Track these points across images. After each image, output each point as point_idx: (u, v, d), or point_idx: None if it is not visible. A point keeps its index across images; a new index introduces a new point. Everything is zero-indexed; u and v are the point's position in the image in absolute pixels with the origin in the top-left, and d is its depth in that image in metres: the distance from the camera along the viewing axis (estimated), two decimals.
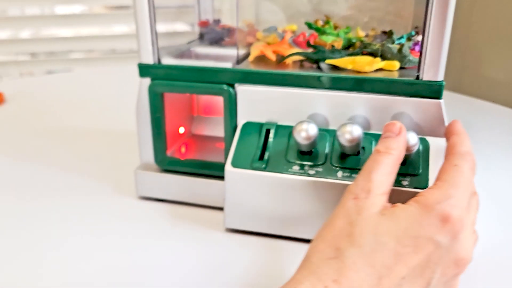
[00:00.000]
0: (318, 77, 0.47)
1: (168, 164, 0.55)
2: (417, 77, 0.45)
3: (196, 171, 0.55)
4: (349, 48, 0.62)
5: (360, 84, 0.46)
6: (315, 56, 0.50)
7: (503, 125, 0.83)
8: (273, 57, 0.50)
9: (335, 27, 0.65)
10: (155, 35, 0.52)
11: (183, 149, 0.61)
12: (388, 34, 0.52)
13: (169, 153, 0.56)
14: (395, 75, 0.47)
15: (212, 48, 0.62)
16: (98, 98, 0.93)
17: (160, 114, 0.54)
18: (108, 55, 1.25)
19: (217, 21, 0.66)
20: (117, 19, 1.16)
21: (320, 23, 0.65)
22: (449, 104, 0.91)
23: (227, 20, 0.69)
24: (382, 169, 0.36)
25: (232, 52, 0.56)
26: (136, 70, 0.54)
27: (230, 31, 0.65)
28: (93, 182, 0.61)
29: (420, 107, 0.45)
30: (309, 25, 0.63)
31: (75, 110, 0.87)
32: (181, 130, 0.61)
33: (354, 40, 0.61)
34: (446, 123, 0.45)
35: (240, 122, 0.51)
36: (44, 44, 1.16)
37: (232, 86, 0.50)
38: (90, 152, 0.70)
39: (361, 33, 0.62)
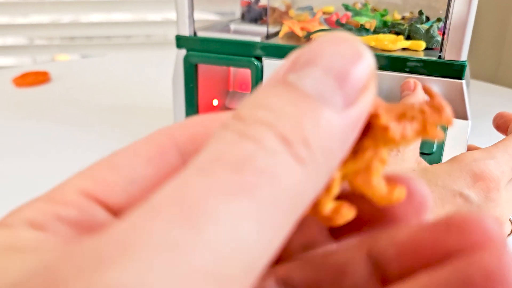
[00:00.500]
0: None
1: None
2: (439, 57, 0.45)
3: None
4: (387, 27, 0.62)
5: (380, 61, 0.47)
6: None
7: None
8: (300, 33, 0.52)
9: (373, 10, 0.65)
10: (191, 8, 0.55)
11: None
12: (418, 14, 0.52)
13: None
14: (420, 55, 0.48)
15: (250, 25, 0.64)
16: (137, 80, 0.97)
17: (193, 84, 0.57)
18: (144, 40, 1.29)
19: (257, 1, 0.68)
20: (154, 6, 1.21)
21: (359, 5, 0.66)
22: (486, 95, 0.89)
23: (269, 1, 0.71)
24: None
25: (264, 28, 0.58)
26: (171, 57, 0.57)
27: (272, 9, 0.67)
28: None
29: (441, 86, 0.45)
30: (346, 7, 0.64)
31: (116, 89, 0.92)
32: (215, 102, 0.64)
33: (389, 23, 0.62)
34: (467, 104, 0.45)
35: None
36: (82, 28, 1.22)
37: (260, 59, 0.52)
38: (130, 127, 0.74)
39: (398, 16, 0.62)
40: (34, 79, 0.87)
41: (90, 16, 1.26)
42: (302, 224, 0.14)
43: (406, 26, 0.50)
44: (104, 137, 0.68)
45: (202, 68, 0.57)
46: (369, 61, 0.13)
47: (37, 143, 0.66)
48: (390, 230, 0.14)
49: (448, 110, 0.14)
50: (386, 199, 0.13)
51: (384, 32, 0.51)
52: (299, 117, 0.11)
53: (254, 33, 0.59)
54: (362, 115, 0.12)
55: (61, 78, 0.95)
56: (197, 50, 0.55)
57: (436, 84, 0.46)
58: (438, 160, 0.43)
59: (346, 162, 0.14)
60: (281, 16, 0.64)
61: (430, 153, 0.43)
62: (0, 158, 0.60)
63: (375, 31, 0.51)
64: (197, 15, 0.57)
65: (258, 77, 0.52)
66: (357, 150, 0.14)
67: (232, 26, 0.64)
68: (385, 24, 0.62)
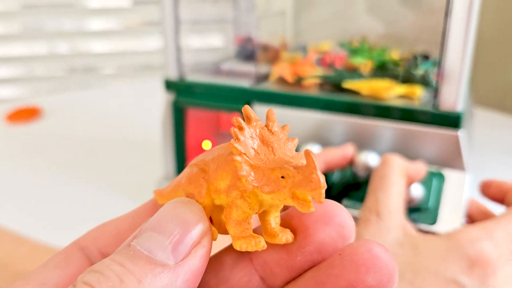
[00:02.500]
0: (330, 101, 0.46)
1: None
2: (435, 105, 0.43)
3: None
4: (382, 69, 0.60)
5: (373, 110, 0.45)
6: (333, 78, 0.49)
7: None
8: (290, 79, 0.50)
9: (371, 48, 0.63)
10: (179, 52, 0.53)
11: None
12: (413, 58, 0.50)
13: None
14: (415, 102, 0.45)
15: (244, 64, 0.62)
16: (130, 112, 0.96)
17: (182, 128, 0.55)
18: (141, 70, 1.28)
19: (251, 38, 0.66)
20: (152, 34, 1.20)
21: (356, 42, 0.64)
22: (493, 126, 0.86)
23: (266, 36, 0.69)
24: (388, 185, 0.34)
25: (257, 69, 0.56)
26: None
27: (265, 48, 0.65)
28: (115, 194, 0.64)
29: (436, 137, 0.43)
30: (342, 45, 0.62)
31: (108, 123, 0.90)
32: (206, 145, 0.62)
33: (387, 63, 0.60)
34: (465, 156, 0.43)
35: None
36: (79, 59, 1.22)
37: (249, 105, 0.50)
38: (117, 165, 0.73)
39: (396, 55, 0.60)
40: (25, 115, 0.86)
41: (86, 46, 1.25)
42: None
43: (401, 71, 0.48)
44: (95, 176, 0.67)
45: (193, 111, 0.55)
46: (201, 225, 0.16)
47: (25, 184, 0.64)
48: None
49: (318, 184, 0.14)
50: (274, 240, 0.16)
51: (379, 77, 0.49)
52: (138, 273, 0.14)
53: (247, 74, 0.57)
54: (195, 267, 0.15)
55: (54, 113, 0.94)
56: (186, 94, 0.53)
57: (431, 134, 0.43)
58: (433, 217, 0.40)
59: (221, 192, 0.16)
60: (275, 55, 0.62)
61: (426, 209, 0.41)
62: None
63: (372, 78, 0.49)
64: (188, 56, 0.56)
65: None
66: (231, 185, 0.16)
67: (225, 65, 0.62)
68: (382, 64, 0.60)
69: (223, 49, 0.70)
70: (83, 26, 1.21)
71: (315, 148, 0.43)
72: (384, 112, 0.44)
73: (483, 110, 0.95)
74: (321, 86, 0.50)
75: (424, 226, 0.39)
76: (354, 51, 0.61)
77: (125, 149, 0.78)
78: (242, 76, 0.60)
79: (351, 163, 0.40)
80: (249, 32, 0.64)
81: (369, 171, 0.40)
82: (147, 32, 1.21)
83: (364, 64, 0.56)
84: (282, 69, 0.50)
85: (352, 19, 0.82)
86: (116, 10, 1.22)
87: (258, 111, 0.50)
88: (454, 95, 0.41)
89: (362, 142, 0.45)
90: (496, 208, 0.40)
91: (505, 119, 0.93)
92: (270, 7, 1.00)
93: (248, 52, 0.63)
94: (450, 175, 0.43)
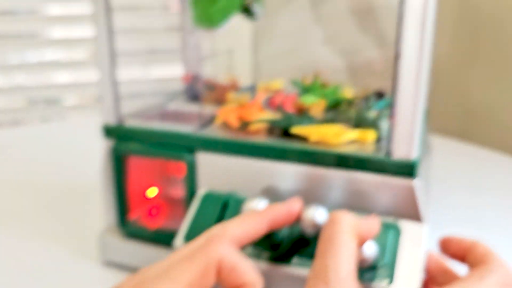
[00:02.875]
0: (276, 148, 0.43)
1: (129, 233, 0.52)
2: (388, 152, 0.40)
3: (159, 241, 0.51)
4: (336, 108, 0.57)
5: (323, 159, 0.42)
6: (280, 123, 0.45)
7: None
8: (236, 123, 0.47)
9: (323, 86, 0.61)
10: (117, 95, 0.49)
11: (154, 212, 0.57)
12: (365, 100, 0.47)
13: (135, 218, 0.53)
14: (369, 148, 0.43)
15: (191, 105, 0.58)
16: (83, 150, 0.91)
17: (123, 177, 0.51)
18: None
19: (199, 77, 0.63)
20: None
21: (309, 80, 0.61)
22: (453, 155, 0.85)
23: (215, 74, 0.66)
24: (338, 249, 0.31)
25: (207, 109, 0.53)
26: None
27: (212, 87, 0.62)
28: (54, 244, 0.58)
29: (390, 187, 0.40)
30: (294, 83, 0.60)
31: (58, 162, 0.85)
32: (152, 192, 0.58)
33: (340, 101, 0.57)
34: (421, 206, 0.40)
35: (201, 192, 0.47)
36: (40, 91, 1.16)
37: (193, 152, 0.47)
38: (60, 212, 0.67)
39: (349, 94, 0.58)
40: None
41: (51, 77, 1.19)
42: None
43: (353, 113, 0.46)
44: (33, 225, 0.61)
45: (135, 157, 0.51)
46: None
47: None
48: None
49: None
50: None
51: (331, 120, 0.46)
52: None
53: (190, 119, 0.54)
54: None
55: (4, 149, 0.89)
56: (125, 141, 0.49)
57: (384, 184, 0.40)
58: (389, 275, 0.37)
59: None
60: (222, 95, 0.59)
61: (380, 267, 0.37)
62: None
63: (324, 121, 0.46)
64: (129, 99, 0.52)
65: (191, 172, 0.47)
66: None
67: (172, 106, 0.59)
68: (335, 103, 0.57)
69: (172, 88, 0.67)
70: (44, 57, 1.17)
71: (262, 204, 0.40)
72: (334, 160, 0.41)
73: (442, 138, 0.94)
74: (269, 131, 0.47)
75: (379, 286, 0.36)
76: (306, 90, 0.59)
77: (72, 193, 0.73)
78: (188, 119, 0.57)
79: (298, 219, 0.37)
80: (197, 70, 0.61)
81: (318, 228, 0.36)
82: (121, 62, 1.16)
83: (316, 104, 0.53)
84: (226, 114, 0.47)
85: (309, 54, 0.80)
86: (79, 41, 1.17)
87: (202, 159, 0.46)
88: (407, 143, 0.39)
89: (312, 194, 0.42)
90: (456, 265, 0.38)
91: (466, 146, 0.92)
92: (220, 45, 0.97)
93: (195, 91, 0.60)
94: (406, 227, 0.40)
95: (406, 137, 0.39)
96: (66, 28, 1.17)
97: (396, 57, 0.38)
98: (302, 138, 0.45)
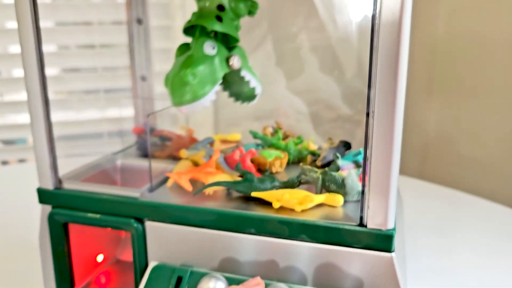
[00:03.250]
0: (234, 216, 0.38)
1: None
2: (361, 221, 0.36)
3: None
4: (299, 162, 0.53)
5: (287, 229, 0.37)
6: (239, 187, 0.41)
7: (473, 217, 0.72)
8: (189, 187, 0.41)
9: (285, 137, 0.56)
10: (54, 156, 0.43)
11: (103, 280, 0.51)
12: (334, 158, 0.43)
13: (82, 287, 0.47)
14: (338, 215, 0.38)
15: (141, 161, 0.53)
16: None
17: (62, 246, 0.44)
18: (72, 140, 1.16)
19: (152, 130, 0.58)
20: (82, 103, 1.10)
21: (270, 130, 0.57)
22: (412, 193, 0.82)
23: (169, 127, 0.61)
24: None
25: (160, 165, 0.48)
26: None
27: (167, 139, 0.57)
28: None
29: (365, 260, 0.35)
30: (254, 135, 0.55)
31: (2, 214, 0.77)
32: (100, 258, 0.51)
33: (305, 153, 0.53)
34: (401, 279, 0.35)
35: (150, 264, 0.41)
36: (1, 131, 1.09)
37: (141, 221, 0.41)
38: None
39: (313, 146, 0.53)
40: None
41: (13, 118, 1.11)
42: None
43: (319, 174, 0.41)
44: None
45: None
46: None
47: None
48: None
49: None
50: None
51: (293, 184, 0.41)
52: None
53: (142, 177, 0.48)
54: None
55: None
56: (64, 207, 0.43)
57: (358, 258, 0.36)
58: None
59: None
60: (178, 148, 0.54)
61: None
62: None
63: (286, 184, 0.41)
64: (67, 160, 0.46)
65: (140, 242, 0.41)
66: None
67: (119, 163, 0.53)
68: (299, 154, 0.53)
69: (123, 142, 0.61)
70: (4, 97, 1.09)
71: (219, 285, 0.34)
72: (299, 230, 0.36)
73: (402, 177, 0.91)
74: (226, 195, 0.42)
75: None
76: (267, 141, 0.54)
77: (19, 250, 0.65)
78: (137, 180, 0.51)
79: None
80: (148, 123, 0.56)
81: None
82: (75, 102, 1.09)
83: (278, 160, 0.49)
84: (178, 178, 0.41)
85: (271, 99, 0.76)
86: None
87: (151, 229, 0.40)
88: (383, 210, 0.35)
89: (275, 268, 0.37)
90: None
91: (425, 184, 0.90)
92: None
93: (145, 147, 0.55)
94: None
95: (381, 204, 0.35)
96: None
97: (368, 115, 0.34)
98: (263, 204, 0.40)
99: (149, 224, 0.41)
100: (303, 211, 0.38)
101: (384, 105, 0.32)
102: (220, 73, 0.41)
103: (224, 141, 0.55)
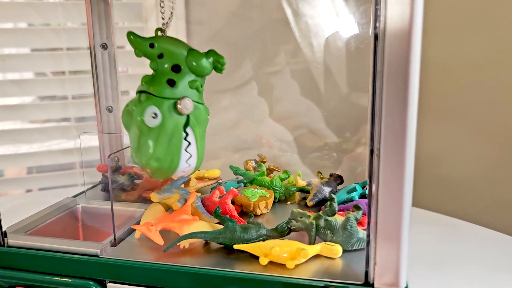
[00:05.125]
0: (213, 276, 0.31)
1: None
2: (366, 279, 0.30)
3: None
4: (286, 201, 0.47)
5: None
6: (219, 239, 0.34)
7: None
8: (160, 241, 0.35)
9: (270, 171, 0.50)
10: None
11: None
12: (329, 201, 0.37)
13: None
14: (337, 269, 0.32)
15: (106, 203, 0.46)
16: None
17: None
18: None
19: (119, 168, 0.51)
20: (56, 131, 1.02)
21: (252, 164, 0.51)
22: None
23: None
24: None
25: (129, 209, 0.41)
26: None
27: (136, 178, 0.50)
28: None
29: None
30: (235, 170, 0.49)
31: None
32: None
33: (292, 190, 0.47)
34: None
35: None
36: None
37: (102, 283, 0.34)
38: None
39: (301, 181, 0.47)
40: None
41: None
42: None
43: (312, 220, 0.35)
44: None
45: None
46: None
47: None
48: None
49: None
50: None
51: (282, 232, 0.35)
52: None
53: (105, 227, 0.42)
54: None
55: None
56: (8, 267, 0.36)
57: None
58: None
59: None
60: (149, 187, 0.47)
61: None
62: None
63: (274, 232, 0.35)
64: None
65: None
66: None
67: (80, 208, 0.46)
68: (287, 192, 0.47)
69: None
70: None
71: None
72: None
73: None
74: (205, 248, 0.35)
75: None
76: (249, 177, 0.48)
77: None
78: (100, 230, 0.44)
79: None
80: (110, 164, 0.50)
81: None
82: (50, 130, 1.01)
83: (263, 200, 0.42)
84: (148, 230, 0.35)
85: (254, 127, 0.70)
86: (19, 106, 1.01)
87: None
88: (394, 266, 0.29)
89: None
90: None
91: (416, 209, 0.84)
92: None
93: (112, 188, 0.48)
94: None
95: (391, 258, 0.29)
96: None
97: (372, 152, 0.28)
98: (247, 258, 0.33)
99: (112, 287, 0.34)
100: (296, 266, 0.32)
101: (392, 140, 0.27)
102: (179, 135, 0.34)
103: (201, 179, 0.49)
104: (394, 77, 0.26)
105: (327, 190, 0.45)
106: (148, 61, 0.36)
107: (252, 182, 0.48)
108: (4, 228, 0.37)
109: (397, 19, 0.25)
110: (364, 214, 0.37)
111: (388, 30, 0.26)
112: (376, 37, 0.26)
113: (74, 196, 0.47)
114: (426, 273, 0.51)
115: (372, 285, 0.29)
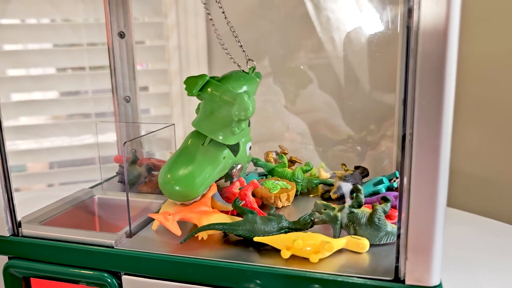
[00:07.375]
0: (233, 270, 0.30)
1: None
2: (396, 275, 0.28)
3: None
4: (309, 193, 0.45)
5: (301, 285, 0.29)
6: (238, 231, 0.32)
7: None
8: (177, 231, 0.33)
9: (292, 163, 0.48)
10: (10, 196, 0.35)
11: None
12: (355, 192, 0.35)
13: None
14: (364, 264, 0.30)
15: (122, 195, 0.45)
16: None
17: None
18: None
19: (135, 160, 0.49)
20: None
21: (273, 156, 0.49)
22: None
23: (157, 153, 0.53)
24: None
25: (141, 201, 0.40)
26: None
27: (154, 169, 0.49)
28: None
29: None
30: (255, 162, 0.47)
31: None
32: None
33: (315, 183, 0.45)
34: None
35: None
36: None
37: (117, 275, 0.33)
38: None
39: (324, 174, 0.45)
40: None
41: None
42: None
43: (336, 212, 0.33)
44: None
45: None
46: None
47: None
48: None
49: None
50: None
51: (306, 224, 0.33)
52: None
53: (121, 218, 0.40)
54: None
55: None
56: (23, 258, 0.35)
57: None
58: None
59: None
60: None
61: None
62: None
63: (296, 225, 0.33)
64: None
65: None
66: None
67: (96, 198, 0.45)
68: (309, 184, 0.45)
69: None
70: None
71: None
72: (317, 286, 0.28)
73: None
74: (223, 240, 0.34)
75: None
76: (270, 169, 0.47)
77: None
78: (115, 220, 0.43)
79: None
80: (125, 151, 0.49)
81: None
82: (70, 126, 1.01)
83: (286, 192, 0.41)
84: (165, 219, 0.33)
85: (275, 118, 0.69)
86: (41, 102, 1.02)
87: (129, 285, 0.32)
88: (427, 262, 0.27)
89: None
90: None
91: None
92: (162, 111, 0.85)
93: (129, 178, 0.47)
94: None
95: (424, 253, 0.26)
96: None
97: (404, 137, 0.26)
98: (270, 248, 0.32)
99: (126, 279, 0.32)
100: (320, 260, 0.30)
101: (427, 124, 0.25)
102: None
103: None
104: (428, 58, 0.24)
105: (352, 182, 0.43)
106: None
107: (272, 173, 0.46)
108: (19, 218, 0.36)
109: (432, 14, 0.23)
110: (392, 207, 0.35)
111: (423, 14, 0.24)
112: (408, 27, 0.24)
113: (91, 188, 0.46)
114: (457, 273, 0.49)
115: (403, 281, 0.27)
